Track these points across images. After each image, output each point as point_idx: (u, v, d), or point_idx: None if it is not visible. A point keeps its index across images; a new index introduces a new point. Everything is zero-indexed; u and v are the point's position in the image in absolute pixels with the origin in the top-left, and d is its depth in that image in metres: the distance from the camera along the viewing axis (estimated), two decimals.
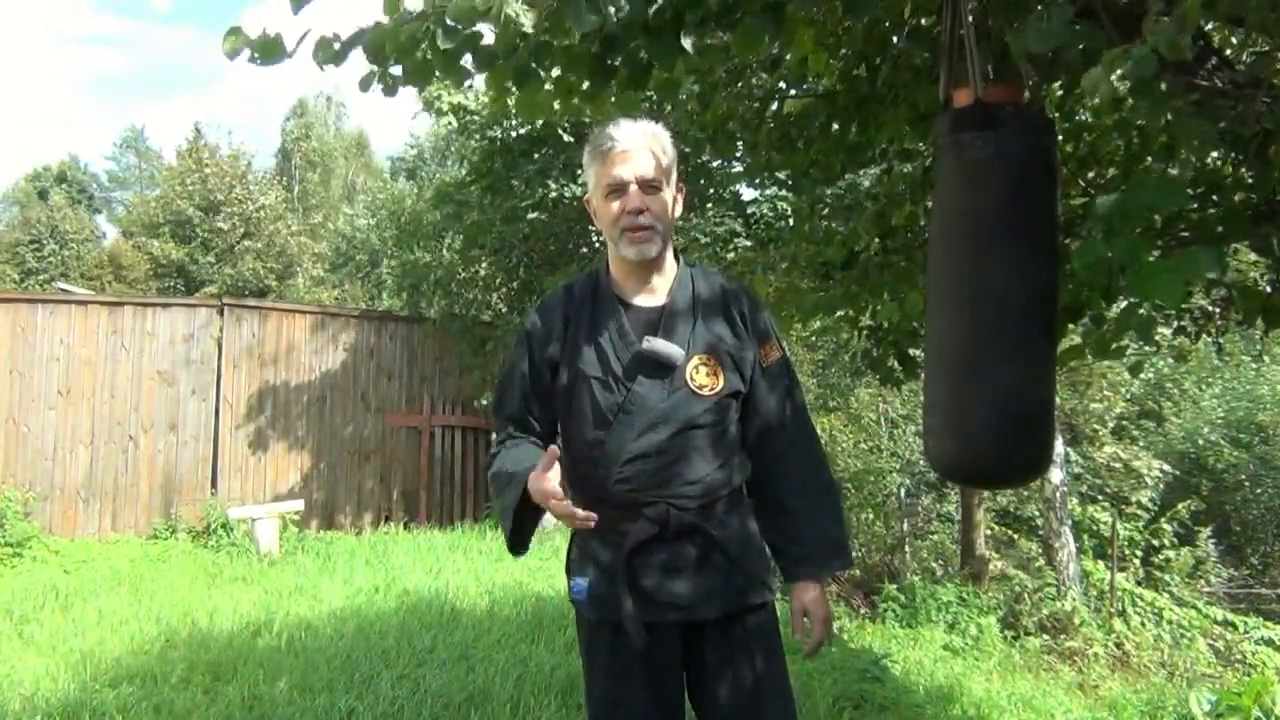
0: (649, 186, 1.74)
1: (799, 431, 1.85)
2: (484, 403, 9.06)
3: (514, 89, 1.82)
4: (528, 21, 1.60)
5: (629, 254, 1.76)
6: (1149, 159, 2.40)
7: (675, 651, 1.77)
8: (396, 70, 1.74)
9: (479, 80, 1.85)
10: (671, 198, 1.80)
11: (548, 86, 1.88)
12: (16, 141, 56.87)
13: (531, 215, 8.39)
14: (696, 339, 1.77)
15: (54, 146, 61.33)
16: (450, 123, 8.59)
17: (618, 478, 1.73)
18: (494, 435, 1.89)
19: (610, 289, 1.83)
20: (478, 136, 8.59)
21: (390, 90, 1.78)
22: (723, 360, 1.77)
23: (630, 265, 1.79)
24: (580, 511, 1.63)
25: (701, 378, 1.74)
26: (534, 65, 1.75)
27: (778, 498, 1.83)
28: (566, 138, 8.27)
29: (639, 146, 1.74)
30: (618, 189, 1.74)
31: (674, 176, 1.82)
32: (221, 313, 8.67)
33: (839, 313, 3.23)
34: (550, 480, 1.63)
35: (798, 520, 1.81)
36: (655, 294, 1.81)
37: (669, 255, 1.83)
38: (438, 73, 1.73)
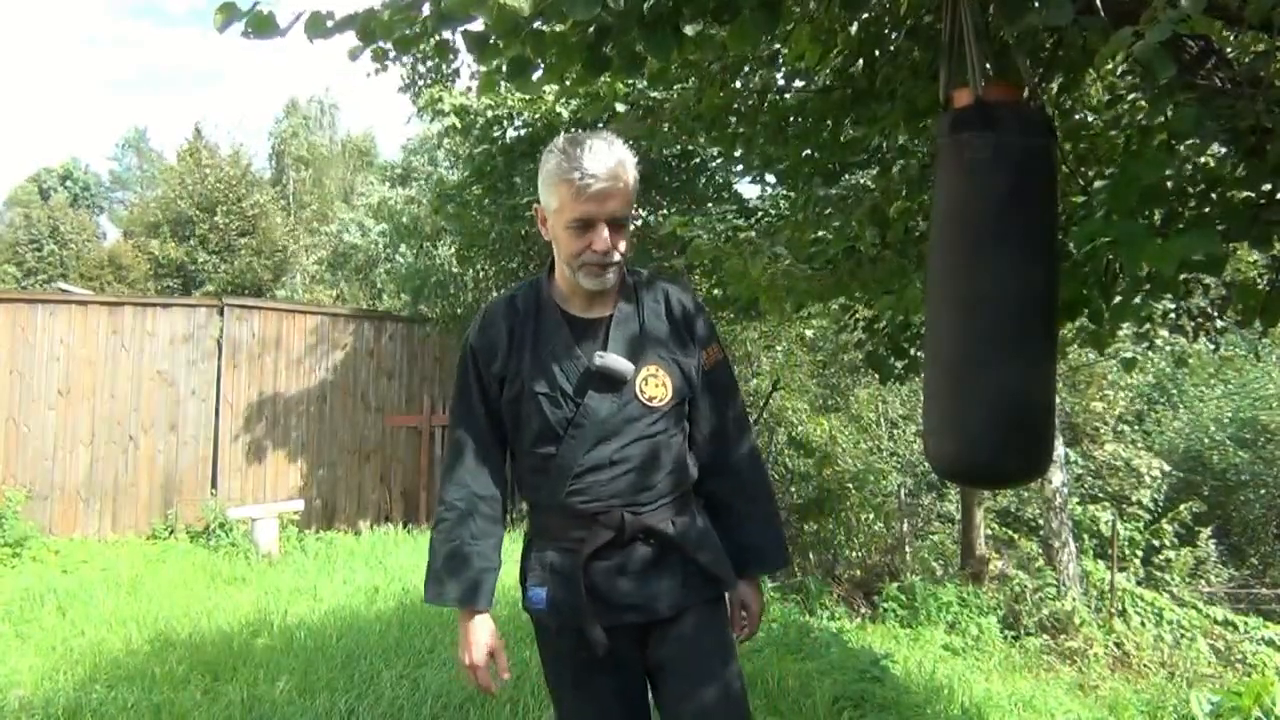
0: (617, 225, 1.70)
1: (739, 432, 1.89)
2: None
3: (505, 76, 1.82)
4: (524, 7, 1.59)
5: (589, 284, 1.73)
6: None
7: (636, 651, 1.79)
8: (385, 43, 1.74)
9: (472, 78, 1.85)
10: (630, 223, 1.77)
11: (540, 73, 1.88)
12: (22, 143, 57.00)
13: (532, 213, 8.38)
14: (644, 350, 1.76)
15: (59, 147, 61.46)
16: (455, 124, 8.57)
17: (570, 490, 1.73)
18: (449, 453, 1.84)
19: (553, 300, 1.80)
20: (478, 135, 8.59)
21: (379, 60, 1.78)
22: (670, 369, 1.77)
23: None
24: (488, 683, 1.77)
25: (651, 389, 1.74)
26: (528, 54, 1.75)
27: (720, 498, 1.87)
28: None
29: (612, 182, 1.66)
30: (586, 226, 1.68)
31: (634, 199, 1.77)
32: (221, 313, 8.66)
33: (831, 304, 3.24)
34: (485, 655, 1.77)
35: (740, 521, 1.87)
36: (601, 305, 1.79)
37: None
38: (429, 51, 1.73)
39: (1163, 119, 1.87)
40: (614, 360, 1.72)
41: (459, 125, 8.48)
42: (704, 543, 1.81)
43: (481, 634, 1.78)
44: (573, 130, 8.94)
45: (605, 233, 1.68)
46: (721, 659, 1.80)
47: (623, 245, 1.73)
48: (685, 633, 1.78)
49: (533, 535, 1.85)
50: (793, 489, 9.22)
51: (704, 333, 1.86)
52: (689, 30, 1.73)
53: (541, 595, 1.78)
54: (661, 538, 1.75)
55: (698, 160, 8.18)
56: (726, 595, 1.87)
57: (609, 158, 1.67)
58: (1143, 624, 6.34)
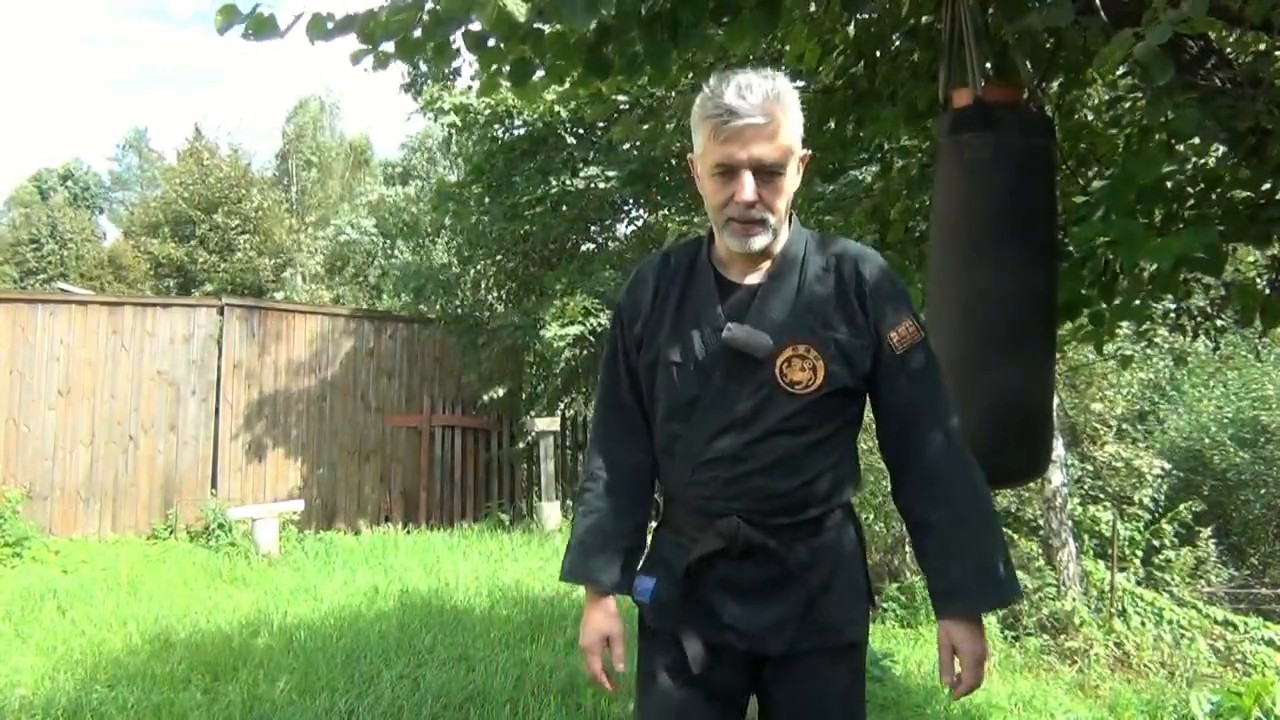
0: (767, 172, 1.44)
1: (940, 431, 1.53)
2: (485, 400, 9.07)
3: (506, 78, 1.82)
4: (520, 11, 1.60)
5: (733, 245, 1.50)
6: None
7: (740, 681, 1.58)
8: (387, 46, 1.74)
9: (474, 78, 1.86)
10: (793, 176, 1.49)
11: (540, 74, 1.87)
12: (22, 142, 57.08)
13: (533, 212, 8.39)
14: (794, 324, 1.48)
15: (59, 147, 61.60)
16: (455, 122, 8.58)
17: (691, 481, 1.53)
18: (595, 417, 1.70)
19: (709, 261, 1.57)
20: (478, 134, 8.59)
21: (381, 64, 1.77)
22: (827, 350, 1.48)
23: None
24: (606, 681, 1.59)
25: (795, 373, 1.46)
26: (528, 55, 1.75)
27: (916, 515, 1.56)
28: (569, 139, 8.28)
29: (762, 121, 1.41)
30: (728, 171, 1.45)
31: (799, 149, 1.50)
32: (221, 313, 8.66)
33: None
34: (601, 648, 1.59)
35: (942, 545, 1.51)
36: (760, 270, 1.54)
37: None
38: (428, 55, 1.73)
39: (1163, 119, 1.86)
40: (744, 333, 1.47)
41: (460, 125, 8.49)
42: (837, 578, 1.54)
43: (598, 618, 1.59)
44: (573, 128, 8.92)
45: (749, 180, 1.43)
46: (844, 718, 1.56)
47: (776, 200, 1.47)
48: (800, 683, 1.54)
49: (660, 522, 1.67)
50: None
51: (889, 308, 1.51)
52: (690, 42, 1.72)
53: (648, 587, 1.58)
54: (779, 561, 1.50)
55: None
56: (863, 643, 1.61)
57: (757, 92, 1.42)
58: (1143, 624, 6.33)
